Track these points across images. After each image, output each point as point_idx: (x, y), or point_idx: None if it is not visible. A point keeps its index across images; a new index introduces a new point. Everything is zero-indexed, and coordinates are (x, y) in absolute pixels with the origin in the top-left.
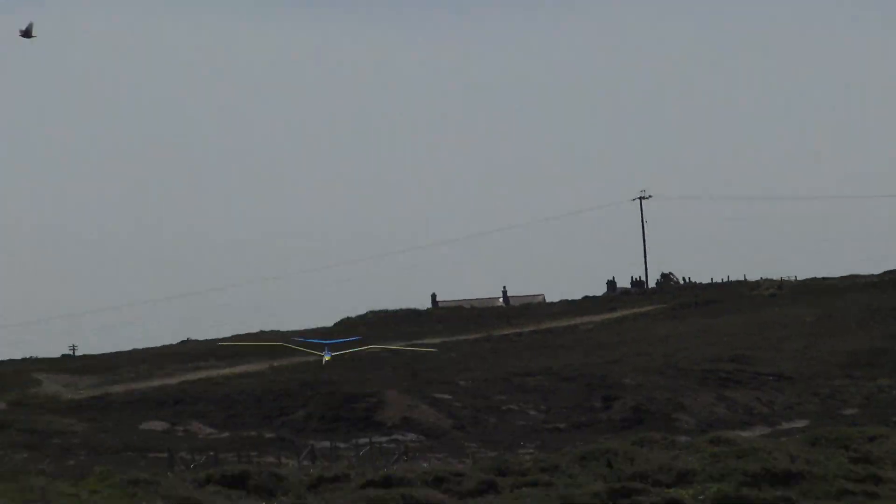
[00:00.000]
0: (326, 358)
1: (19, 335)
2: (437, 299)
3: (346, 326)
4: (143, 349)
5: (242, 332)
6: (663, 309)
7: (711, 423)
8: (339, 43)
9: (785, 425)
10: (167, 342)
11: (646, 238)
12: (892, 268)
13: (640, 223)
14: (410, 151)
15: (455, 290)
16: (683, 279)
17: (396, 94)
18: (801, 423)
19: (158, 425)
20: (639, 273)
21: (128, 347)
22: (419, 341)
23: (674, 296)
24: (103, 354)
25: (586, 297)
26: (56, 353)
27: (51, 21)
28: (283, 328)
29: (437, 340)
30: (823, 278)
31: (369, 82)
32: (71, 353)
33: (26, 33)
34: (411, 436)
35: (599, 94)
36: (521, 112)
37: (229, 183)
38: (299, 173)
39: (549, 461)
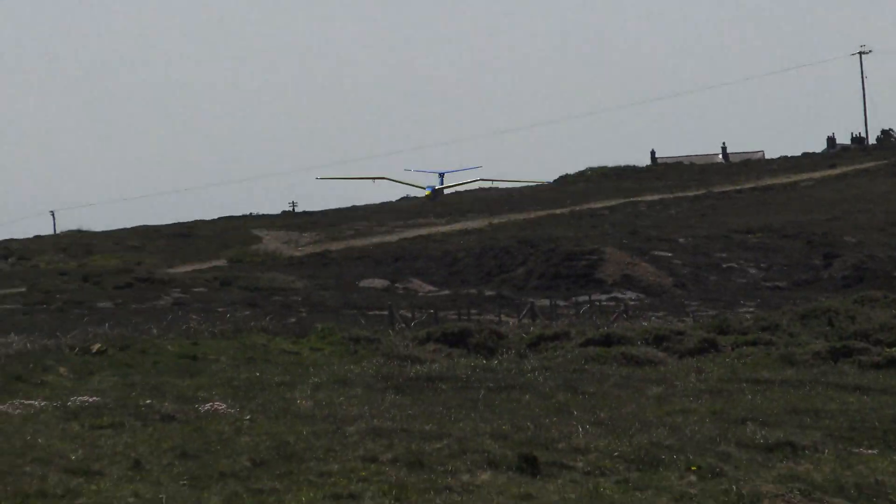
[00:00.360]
0: (427, 192)
1: (240, 192)
2: (657, 156)
3: (565, 183)
4: (362, 206)
5: (464, 189)
6: (884, 166)
7: None
8: None
9: None
10: (386, 199)
11: (866, 94)
12: None
13: (860, 79)
14: (631, 9)
15: (675, 147)
16: None
17: None
18: None
19: (378, 282)
20: (859, 129)
21: (347, 204)
22: (637, 198)
23: (894, 153)
24: (323, 211)
25: (806, 154)
26: (276, 210)
27: None
28: (503, 184)
29: (655, 197)
30: None
31: None
32: (291, 209)
33: None
34: (631, 294)
35: None
36: None
37: (456, 51)
38: (522, 30)
39: (770, 319)
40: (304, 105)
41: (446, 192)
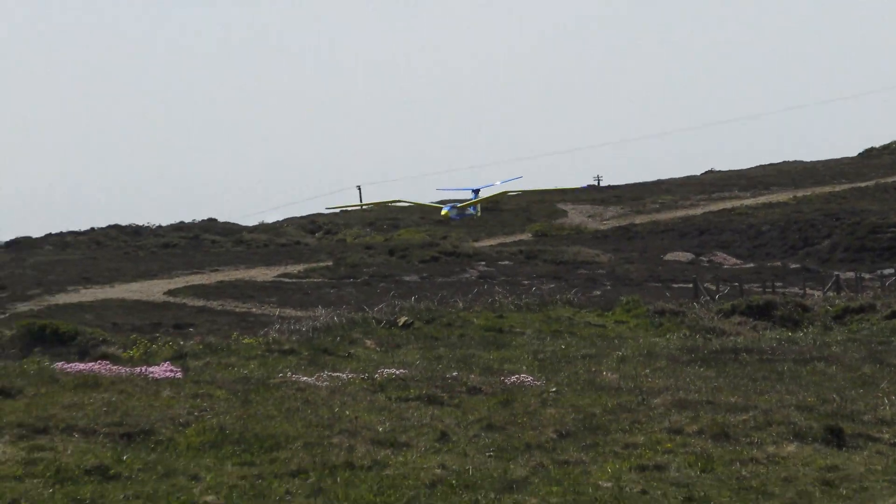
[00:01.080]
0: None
1: (546, 166)
2: None
3: (870, 156)
4: (666, 179)
5: (766, 162)
6: None
7: None
8: None
9: None
10: (691, 173)
11: None
12: None
13: None
14: None
15: None
16: None
17: None
18: None
19: (683, 256)
20: None
21: (651, 178)
22: None
23: None
24: (628, 185)
25: None
26: (581, 184)
27: None
28: (807, 158)
29: None
30: None
31: None
32: (596, 183)
33: None
34: None
35: None
36: None
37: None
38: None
39: None
40: (605, 80)
41: (481, 202)
